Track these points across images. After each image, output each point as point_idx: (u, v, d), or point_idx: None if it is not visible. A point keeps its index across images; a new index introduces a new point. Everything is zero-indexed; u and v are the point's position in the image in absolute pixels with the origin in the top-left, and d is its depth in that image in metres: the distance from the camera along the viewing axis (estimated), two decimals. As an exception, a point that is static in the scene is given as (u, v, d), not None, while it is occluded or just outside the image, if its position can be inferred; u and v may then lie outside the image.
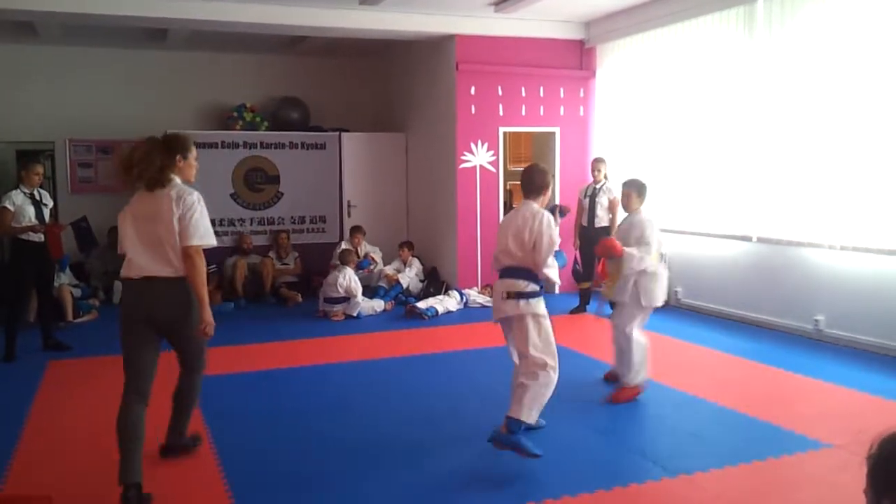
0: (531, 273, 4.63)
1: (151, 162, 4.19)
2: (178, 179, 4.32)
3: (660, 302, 5.74)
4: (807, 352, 6.96)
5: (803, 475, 4.30)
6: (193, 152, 4.58)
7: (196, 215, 4.17)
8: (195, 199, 4.23)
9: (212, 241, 4.25)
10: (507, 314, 4.67)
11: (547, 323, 4.65)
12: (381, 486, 4.17)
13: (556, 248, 4.65)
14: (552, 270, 4.62)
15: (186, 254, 4.09)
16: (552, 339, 4.66)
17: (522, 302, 4.60)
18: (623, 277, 5.66)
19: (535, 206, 4.74)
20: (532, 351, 4.56)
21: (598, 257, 8.60)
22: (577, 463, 4.51)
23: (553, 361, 4.60)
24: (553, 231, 4.61)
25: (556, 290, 4.96)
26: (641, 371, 5.63)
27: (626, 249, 5.59)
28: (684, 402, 5.58)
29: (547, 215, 4.67)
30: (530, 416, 4.51)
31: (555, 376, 4.60)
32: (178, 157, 4.39)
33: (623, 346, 5.69)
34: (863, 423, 4.78)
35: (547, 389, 4.57)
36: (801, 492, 4.08)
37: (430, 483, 4.22)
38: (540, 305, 4.63)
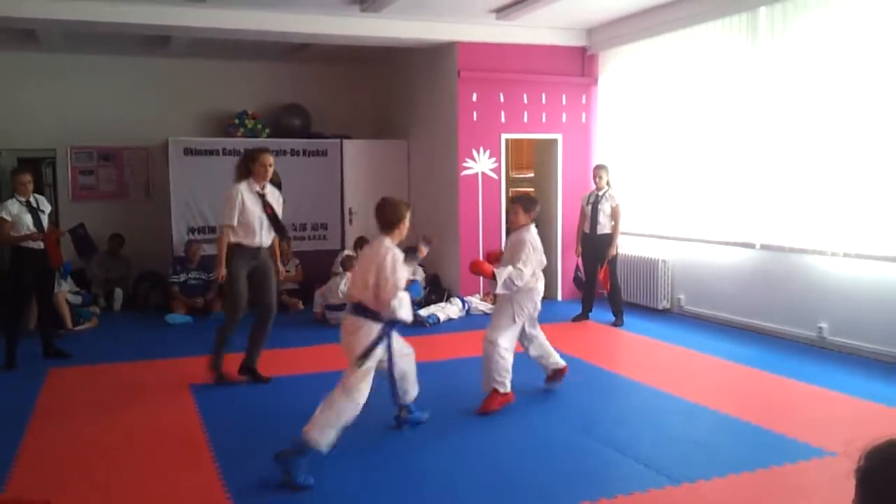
0: (371, 311, 4.60)
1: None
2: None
3: (531, 316, 5.82)
4: (810, 359, 6.93)
5: (807, 483, 4.27)
6: (259, 159, 6.23)
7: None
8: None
9: (226, 221, 6.17)
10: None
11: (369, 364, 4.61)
12: (380, 492, 4.14)
13: (403, 285, 4.59)
14: (401, 309, 4.53)
15: None
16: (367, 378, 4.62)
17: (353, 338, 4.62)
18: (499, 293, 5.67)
19: (387, 242, 4.70)
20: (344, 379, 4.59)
21: (600, 265, 8.65)
22: (579, 471, 4.48)
23: (355, 397, 4.54)
24: (397, 273, 4.53)
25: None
26: (506, 380, 5.58)
27: (497, 270, 5.51)
28: (687, 409, 5.55)
29: (393, 253, 4.60)
30: (321, 438, 4.34)
31: (352, 410, 4.50)
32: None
33: (488, 354, 5.64)
34: (866, 431, 4.74)
35: (340, 417, 4.45)
36: (805, 500, 4.06)
37: (430, 493, 4.18)
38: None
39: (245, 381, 6.42)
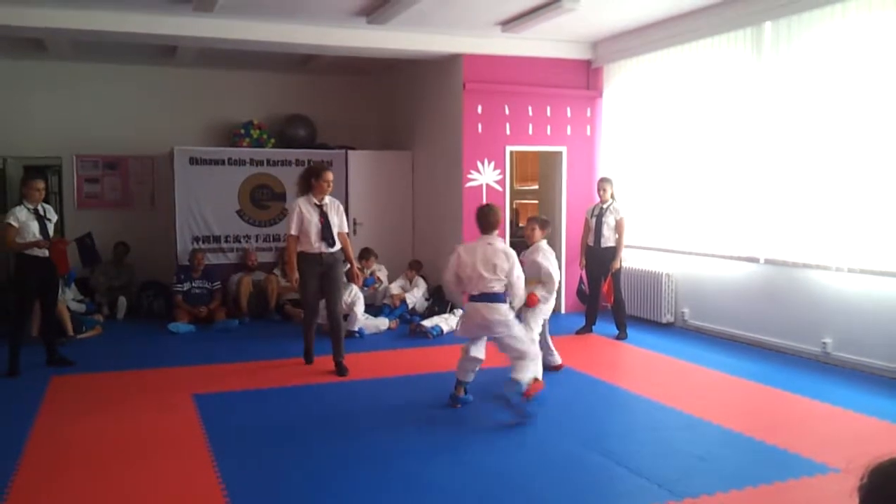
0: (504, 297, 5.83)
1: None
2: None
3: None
4: (814, 375, 6.90)
5: (809, 500, 4.25)
6: (321, 175, 7.10)
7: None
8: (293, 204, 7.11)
9: (287, 231, 7.16)
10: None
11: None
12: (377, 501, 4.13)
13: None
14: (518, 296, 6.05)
15: None
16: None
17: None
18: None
19: (501, 242, 5.95)
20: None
21: (604, 278, 8.65)
22: (581, 485, 4.46)
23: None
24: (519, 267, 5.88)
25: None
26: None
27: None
28: (690, 424, 5.53)
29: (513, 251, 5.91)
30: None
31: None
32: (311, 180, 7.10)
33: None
34: (870, 448, 4.72)
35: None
36: (809, 517, 4.03)
37: (426, 499, 4.18)
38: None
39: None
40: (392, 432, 5.40)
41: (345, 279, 9.09)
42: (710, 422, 5.55)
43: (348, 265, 7.48)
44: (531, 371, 5.77)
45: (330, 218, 7.08)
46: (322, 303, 7.26)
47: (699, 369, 7.20)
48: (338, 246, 7.14)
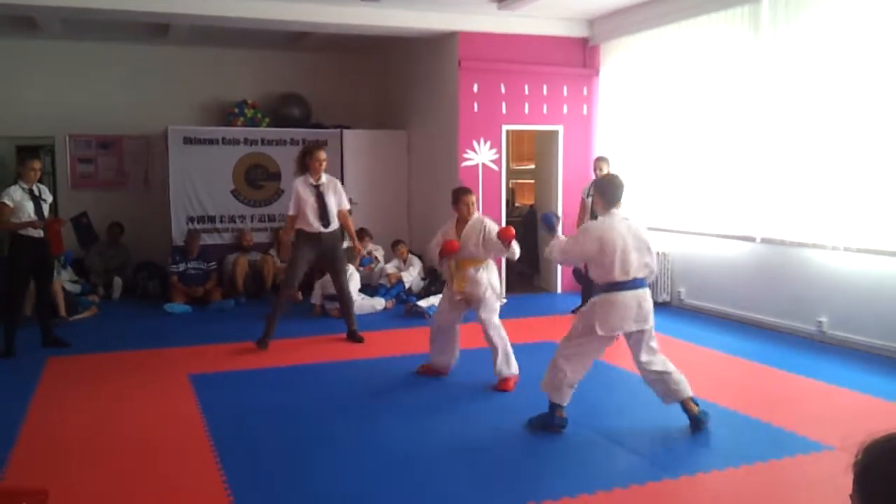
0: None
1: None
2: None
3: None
4: (810, 353, 6.93)
5: (805, 477, 4.27)
6: (313, 155, 7.15)
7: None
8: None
9: (287, 212, 7.32)
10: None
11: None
12: (378, 483, 4.14)
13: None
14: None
15: None
16: None
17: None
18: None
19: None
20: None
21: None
22: (577, 464, 4.48)
23: None
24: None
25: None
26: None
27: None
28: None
29: None
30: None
31: None
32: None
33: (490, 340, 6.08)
34: (865, 425, 4.73)
35: None
36: (803, 493, 4.05)
37: (429, 484, 4.18)
38: None
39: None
40: (386, 412, 5.42)
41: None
42: (706, 400, 5.54)
43: (349, 243, 7.54)
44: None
45: (326, 198, 7.13)
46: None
47: (695, 348, 7.22)
48: (337, 224, 7.21)
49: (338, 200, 7.28)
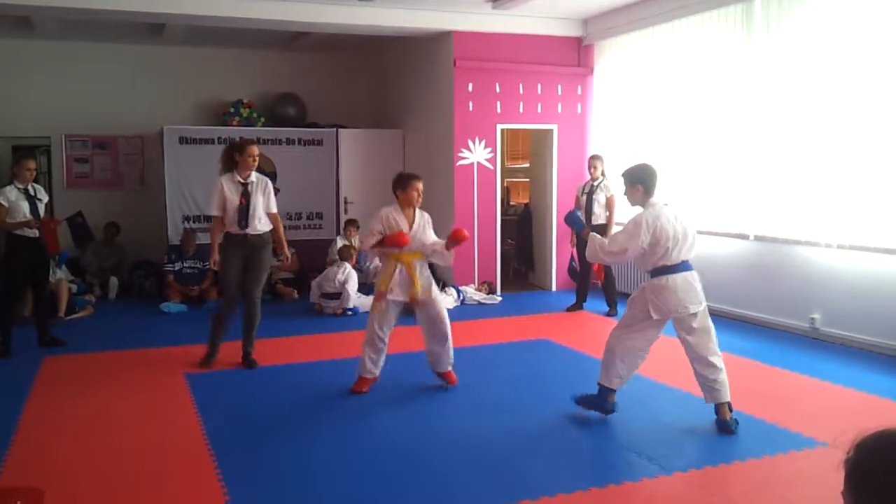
0: None
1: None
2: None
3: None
4: (803, 350, 6.96)
5: (798, 473, 4.30)
6: (245, 150, 6.43)
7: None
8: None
9: (209, 211, 6.60)
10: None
11: None
12: (374, 481, 4.16)
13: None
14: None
15: None
16: None
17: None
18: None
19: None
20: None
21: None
22: (571, 460, 4.51)
23: None
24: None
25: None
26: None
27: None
28: (679, 399, 5.59)
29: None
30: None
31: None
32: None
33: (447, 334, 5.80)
34: (857, 421, 4.76)
35: None
36: (796, 490, 4.08)
37: (426, 481, 4.21)
38: None
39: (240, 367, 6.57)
40: (384, 410, 5.43)
41: (337, 257, 9.12)
42: (700, 396, 5.58)
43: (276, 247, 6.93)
44: None
45: (253, 198, 6.45)
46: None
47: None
48: (265, 228, 6.58)
49: (266, 202, 6.53)
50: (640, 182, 4.97)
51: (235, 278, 6.53)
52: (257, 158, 6.52)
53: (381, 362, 5.81)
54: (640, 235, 4.79)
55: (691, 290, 4.86)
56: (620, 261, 5.17)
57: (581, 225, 5.40)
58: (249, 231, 6.46)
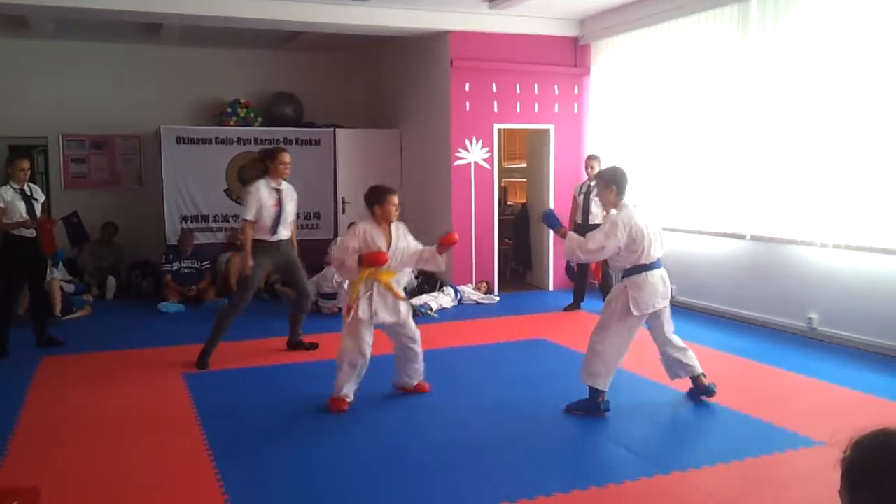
0: None
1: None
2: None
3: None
4: (800, 350, 6.98)
5: (795, 472, 4.32)
6: (277, 157, 6.56)
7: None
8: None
9: (244, 216, 6.50)
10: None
11: None
12: (374, 481, 4.17)
13: None
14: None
15: None
16: None
17: None
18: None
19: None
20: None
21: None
22: (569, 460, 4.52)
23: None
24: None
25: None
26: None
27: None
28: (677, 399, 5.60)
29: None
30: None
31: None
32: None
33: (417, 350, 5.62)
34: (854, 421, 4.78)
35: None
36: (793, 489, 4.09)
37: (423, 480, 4.22)
38: None
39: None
40: (382, 409, 5.45)
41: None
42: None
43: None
44: None
45: (285, 205, 6.61)
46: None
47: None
48: (288, 234, 6.79)
49: (292, 210, 6.73)
50: (614, 184, 5.20)
51: (257, 282, 6.76)
52: (289, 165, 6.64)
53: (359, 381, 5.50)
54: (616, 234, 4.99)
55: (665, 287, 5.19)
56: (596, 259, 5.36)
57: (558, 223, 5.46)
58: (278, 238, 6.63)
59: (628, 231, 4.99)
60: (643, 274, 5.07)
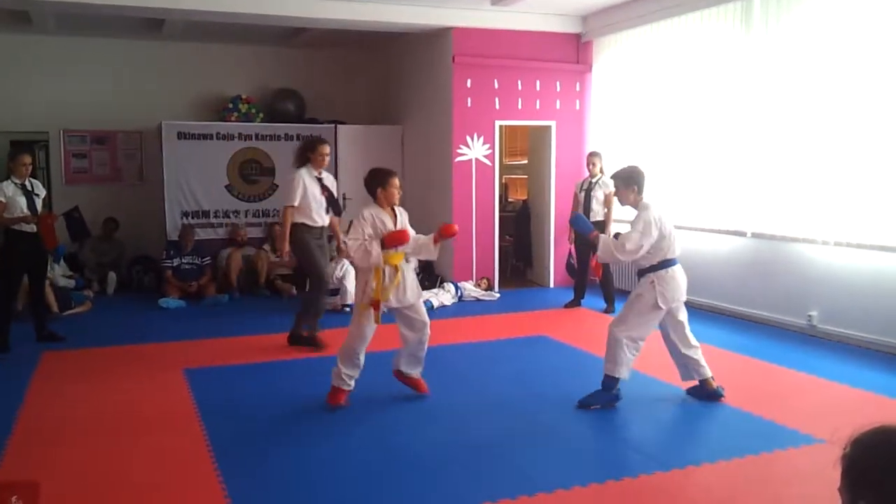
0: None
1: None
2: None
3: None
4: (800, 347, 6.98)
5: (795, 470, 4.31)
6: (317, 149, 6.92)
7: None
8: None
9: (288, 202, 6.87)
10: None
11: None
12: (375, 479, 4.17)
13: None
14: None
15: None
16: None
17: None
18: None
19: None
20: None
21: (592, 251, 8.67)
22: (570, 456, 4.52)
23: None
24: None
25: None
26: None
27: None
28: (677, 396, 5.59)
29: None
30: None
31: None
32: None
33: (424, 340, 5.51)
34: (854, 418, 4.78)
35: None
36: (793, 487, 4.09)
37: (423, 477, 4.22)
38: None
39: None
40: (381, 406, 5.44)
41: (335, 253, 9.13)
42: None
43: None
44: None
45: (332, 191, 7.08)
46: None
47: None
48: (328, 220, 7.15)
49: (335, 193, 7.19)
50: (635, 183, 5.32)
51: (324, 260, 7.18)
52: (327, 156, 7.05)
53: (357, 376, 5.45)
54: (651, 233, 5.11)
55: (685, 281, 5.36)
56: (633, 258, 5.28)
57: (590, 228, 5.57)
58: (323, 223, 7.04)
59: (659, 228, 5.14)
60: (670, 268, 5.25)
